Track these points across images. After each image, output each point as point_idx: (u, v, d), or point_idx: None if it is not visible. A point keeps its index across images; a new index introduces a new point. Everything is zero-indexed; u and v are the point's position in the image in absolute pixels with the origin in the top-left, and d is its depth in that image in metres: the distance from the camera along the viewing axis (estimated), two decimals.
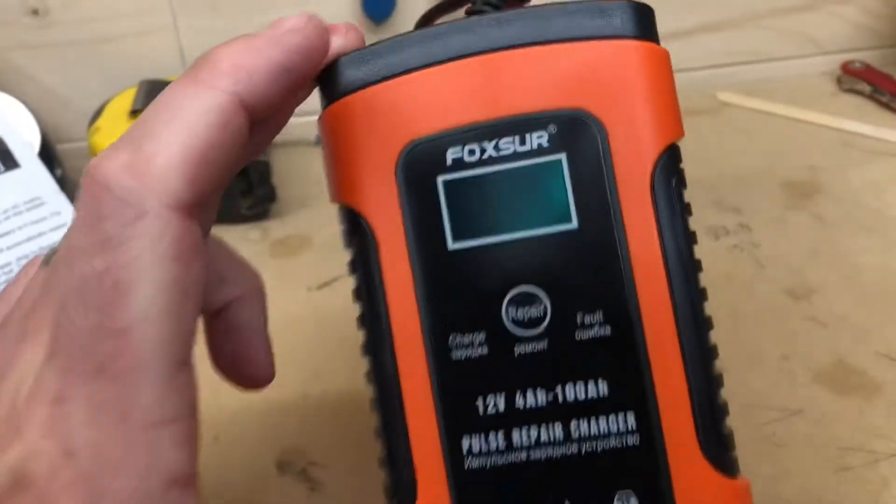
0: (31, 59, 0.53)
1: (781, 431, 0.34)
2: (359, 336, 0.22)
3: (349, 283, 0.22)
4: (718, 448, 0.20)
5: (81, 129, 0.51)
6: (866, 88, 0.57)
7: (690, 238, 0.21)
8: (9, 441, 0.18)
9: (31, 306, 0.20)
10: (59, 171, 0.48)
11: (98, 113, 0.51)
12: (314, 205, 0.51)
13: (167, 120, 0.18)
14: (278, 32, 0.20)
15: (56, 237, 0.43)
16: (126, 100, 0.50)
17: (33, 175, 0.45)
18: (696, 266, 0.21)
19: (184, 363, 0.18)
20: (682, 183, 0.21)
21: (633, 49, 0.20)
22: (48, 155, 0.48)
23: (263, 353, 0.25)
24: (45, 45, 0.53)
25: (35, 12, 0.51)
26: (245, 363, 0.25)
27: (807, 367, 0.37)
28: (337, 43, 0.22)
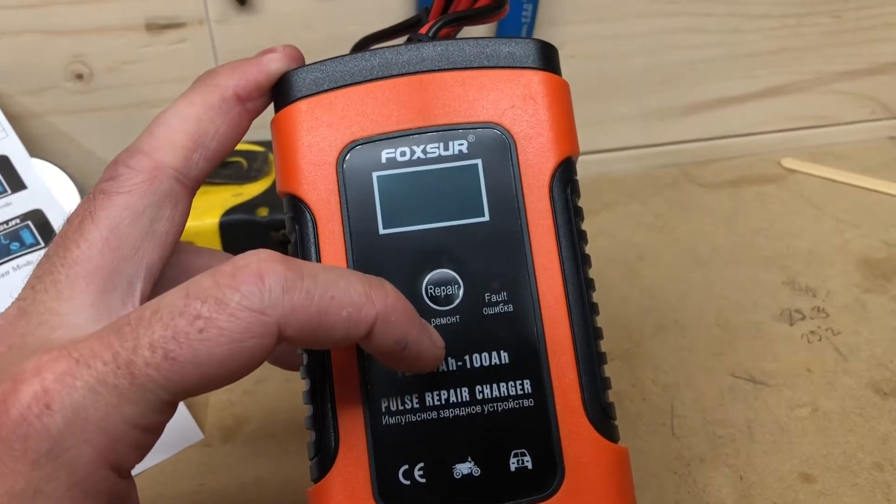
0: (73, 124, 0.52)
1: None
2: None
3: None
4: (601, 415, 0.24)
5: None
6: None
7: (580, 236, 0.25)
8: None
9: None
10: None
11: None
12: None
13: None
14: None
15: None
16: None
17: None
18: (585, 259, 0.25)
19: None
20: (575, 191, 0.25)
21: (538, 78, 0.25)
22: None
23: None
24: (89, 110, 0.52)
25: (79, 77, 0.50)
26: (287, 355, 0.28)
27: None
28: (278, 61, 0.25)
